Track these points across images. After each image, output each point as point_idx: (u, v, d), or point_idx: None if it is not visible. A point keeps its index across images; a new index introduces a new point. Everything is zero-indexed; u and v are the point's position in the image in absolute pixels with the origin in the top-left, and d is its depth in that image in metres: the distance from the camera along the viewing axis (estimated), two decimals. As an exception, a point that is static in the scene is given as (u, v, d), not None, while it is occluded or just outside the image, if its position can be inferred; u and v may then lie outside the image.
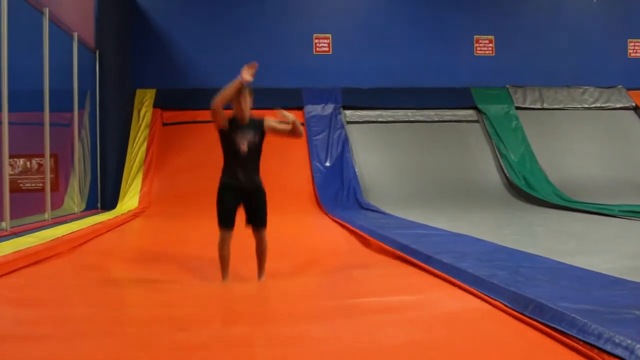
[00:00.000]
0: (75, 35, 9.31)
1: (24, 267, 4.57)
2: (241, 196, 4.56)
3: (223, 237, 4.49)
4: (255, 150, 4.60)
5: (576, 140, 13.16)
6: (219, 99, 4.41)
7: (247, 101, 4.60)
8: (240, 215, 4.49)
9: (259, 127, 4.63)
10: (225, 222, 4.53)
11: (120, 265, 5.37)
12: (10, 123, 6.50)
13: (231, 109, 4.57)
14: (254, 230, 4.56)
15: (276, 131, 4.70)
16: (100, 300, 3.68)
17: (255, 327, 2.96)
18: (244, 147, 4.50)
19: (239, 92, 4.51)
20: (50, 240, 5.58)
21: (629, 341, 2.20)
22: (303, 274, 4.78)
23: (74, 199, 9.15)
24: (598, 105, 13.81)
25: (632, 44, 14.49)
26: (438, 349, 2.56)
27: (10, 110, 6.53)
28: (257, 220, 4.56)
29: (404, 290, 3.76)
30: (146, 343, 2.69)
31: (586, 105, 13.79)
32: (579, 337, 2.41)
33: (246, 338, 2.78)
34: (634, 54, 14.48)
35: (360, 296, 3.64)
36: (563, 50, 14.13)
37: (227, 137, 4.56)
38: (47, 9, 7.85)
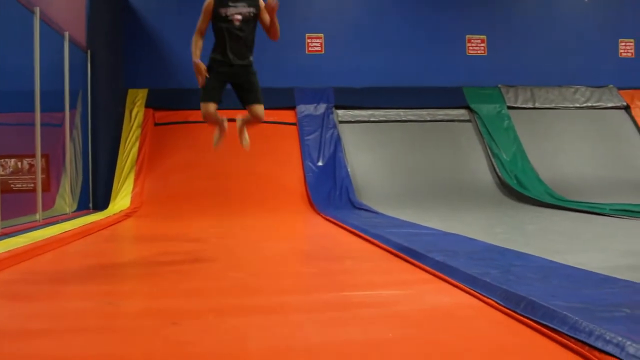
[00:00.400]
0: (67, 34, 9.27)
1: (17, 263, 4.57)
2: (231, 75, 4.53)
3: (206, 110, 4.43)
4: (250, 24, 4.54)
5: (568, 139, 13.21)
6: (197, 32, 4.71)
7: None
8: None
9: (254, 2, 4.61)
10: (209, 95, 4.50)
11: (113, 259, 5.37)
12: (0, 124, 6.48)
13: None
14: (251, 108, 4.54)
15: (262, 18, 4.67)
16: (93, 293, 3.68)
17: (245, 319, 2.97)
18: (237, 17, 4.47)
19: None
20: (42, 240, 5.57)
21: (620, 338, 2.21)
22: (295, 268, 4.78)
23: (66, 200, 9.12)
24: (589, 104, 13.87)
25: (624, 43, 14.56)
26: (429, 344, 2.57)
27: (0, 110, 6.51)
28: (252, 98, 4.57)
29: (396, 285, 3.78)
30: (139, 337, 2.69)
31: (578, 105, 13.85)
32: (570, 334, 2.42)
33: (238, 330, 2.78)
34: (625, 54, 14.55)
35: (351, 289, 3.65)
36: (555, 49, 14.19)
37: (217, 13, 4.54)
38: (38, 9, 7.81)
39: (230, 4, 4.49)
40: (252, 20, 4.56)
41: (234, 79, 4.49)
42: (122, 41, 12.70)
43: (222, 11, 4.50)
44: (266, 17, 4.64)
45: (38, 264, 4.80)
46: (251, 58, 4.61)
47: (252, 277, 4.21)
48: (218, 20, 4.56)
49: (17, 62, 7.71)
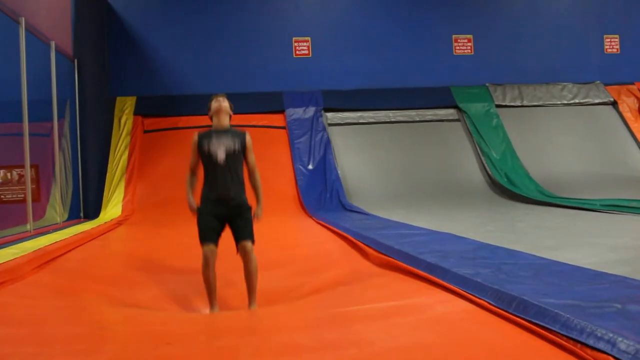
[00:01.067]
0: (53, 44, 9.24)
1: (4, 282, 4.48)
2: (224, 211, 4.31)
3: (206, 256, 4.18)
4: (235, 159, 4.40)
5: (556, 136, 13.28)
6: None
7: (224, 107, 4.54)
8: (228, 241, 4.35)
9: (239, 137, 4.48)
10: (207, 236, 4.24)
11: (103, 278, 5.31)
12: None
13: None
14: (240, 248, 4.29)
15: (247, 158, 4.54)
16: (82, 318, 3.63)
17: (240, 339, 2.95)
18: (221, 154, 4.33)
19: (216, 110, 4.51)
20: (32, 252, 5.50)
21: (611, 334, 2.22)
22: (286, 276, 4.77)
23: (56, 209, 9.08)
24: (577, 101, 13.95)
25: (609, 39, 14.66)
26: (426, 353, 2.57)
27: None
28: (243, 235, 4.28)
29: (390, 297, 3.75)
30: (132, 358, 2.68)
31: (565, 102, 13.93)
32: (562, 332, 2.44)
33: (232, 349, 2.77)
34: (610, 50, 14.65)
35: (346, 305, 3.64)
36: (541, 47, 14.27)
37: (203, 148, 4.41)
38: (23, 19, 7.78)
39: (214, 137, 4.38)
40: (239, 154, 4.43)
41: (228, 212, 4.28)
42: (108, 49, 12.68)
43: (205, 147, 4.36)
44: (251, 159, 4.55)
45: (26, 285, 4.69)
46: (243, 195, 4.40)
47: (243, 284, 4.21)
48: (203, 157, 4.41)
49: (3, 72, 7.68)
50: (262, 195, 4.63)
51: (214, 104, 4.57)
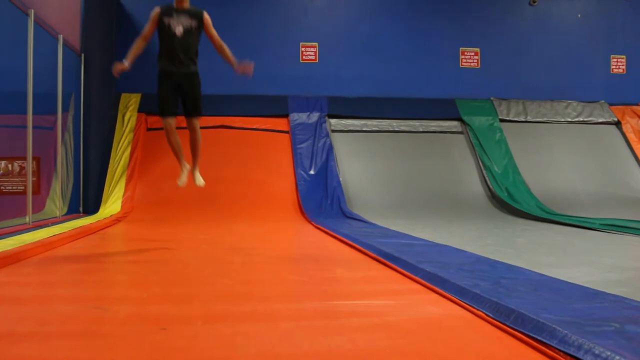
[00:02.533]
0: (61, 37, 9.25)
1: (4, 266, 4.54)
2: (177, 82, 4.78)
3: (166, 126, 4.68)
4: (192, 34, 4.81)
5: (559, 153, 13.29)
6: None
7: None
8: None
9: (197, 16, 4.90)
10: (164, 108, 4.77)
11: (102, 264, 5.33)
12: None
13: None
14: (187, 118, 4.79)
15: (209, 34, 5.01)
16: (81, 297, 3.65)
17: (234, 326, 2.95)
18: (179, 29, 4.75)
19: None
20: (31, 242, 5.53)
21: (609, 352, 2.21)
22: (284, 275, 4.76)
23: (56, 203, 9.08)
24: (581, 119, 13.97)
25: (615, 59, 14.68)
26: (419, 355, 2.56)
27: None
28: (191, 107, 4.82)
29: (385, 295, 3.76)
30: (127, 342, 2.68)
31: (569, 119, 13.94)
32: (559, 347, 2.42)
33: (226, 337, 2.77)
34: (616, 70, 14.68)
35: (341, 298, 3.64)
36: (547, 64, 14.30)
37: (162, 23, 4.85)
38: (33, 11, 7.80)
39: (174, 15, 4.80)
40: (195, 31, 4.86)
41: (180, 86, 4.72)
42: (116, 45, 12.70)
43: (166, 21, 4.79)
44: (213, 33, 5.03)
45: (26, 267, 4.77)
46: (195, 67, 4.88)
47: (241, 284, 4.19)
48: (162, 30, 4.85)
49: (10, 63, 7.69)
50: (232, 56, 5.14)
51: None
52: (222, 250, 4.42)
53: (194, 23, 4.86)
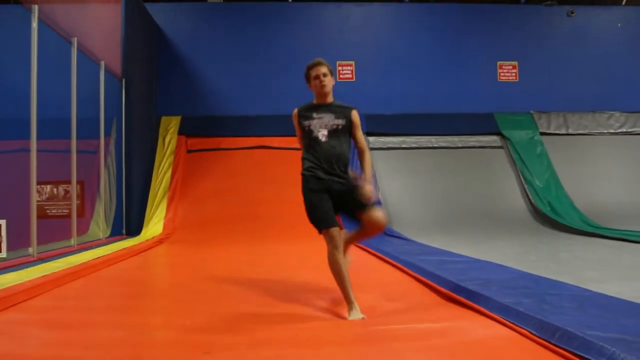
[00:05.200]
0: (102, 63, 9.48)
1: (51, 289, 4.62)
2: (328, 190, 3.81)
3: (334, 239, 3.60)
4: (340, 137, 3.90)
5: (602, 165, 13.03)
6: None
7: (326, 78, 4.03)
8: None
9: (343, 114, 3.99)
10: (326, 220, 3.68)
11: (145, 287, 5.40)
12: (38, 150, 6.62)
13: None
14: (367, 214, 3.76)
15: (355, 135, 4.01)
16: (125, 323, 3.69)
17: (280, 351, 2.95)
18: (322, 132, 3.86)
19: (313, 69, 3.97)
20: (76, 265, 5.63)
21: (659, 371, 2.15)
22: (326, 296, 4.74)
23: (100, 225, 9.24)
24: (624, 130, 13.70)
25: (658, 68, 14.39)
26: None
27: (38, 137, 6.65)
28: (361, 204, 3.75)
29: (430, 318, 3.71)
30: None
31: (612, 131, 13.68)
32: (607, 366, 2.37)
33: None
34: (659, 79, 14.38)
35: (386, 323, 3.61)
36: (587, 75, 14.08)
37: (302, 126, 3.96)
38: (75, 39, 8.01)
39: (314, 115, 3.92)
40: (342, 132, 3.91)
41: (333, 195, 3.79)
42: (156, 70, 12.95)
43: (306, 125, 3.91)
44: (359, 136, 4.05)
45: (72, 290, 4.85)
46: (348, 175, 3.87)
47: (282, 307, 4.19)
48: (305, 133, 3.93)
49: (55, 90, 7.89)
50: (370, 173, 4.05)
51: (312, 73, 4.09)
52: (263, 272, 4.40)
53: (340, 123, 3.92)
